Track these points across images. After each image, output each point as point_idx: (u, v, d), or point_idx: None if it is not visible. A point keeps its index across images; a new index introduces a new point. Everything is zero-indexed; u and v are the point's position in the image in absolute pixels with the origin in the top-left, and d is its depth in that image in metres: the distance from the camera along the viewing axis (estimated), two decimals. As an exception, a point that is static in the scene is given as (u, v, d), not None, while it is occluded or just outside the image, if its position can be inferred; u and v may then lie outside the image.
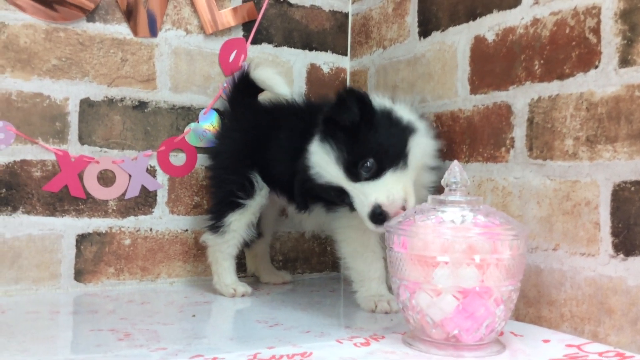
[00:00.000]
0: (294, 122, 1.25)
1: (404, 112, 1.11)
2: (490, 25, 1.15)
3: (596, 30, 0.96)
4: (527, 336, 0.96)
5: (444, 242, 0.85)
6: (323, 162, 1.06)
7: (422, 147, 1.09)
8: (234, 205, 1.28)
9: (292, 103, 1.33)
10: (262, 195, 1.29)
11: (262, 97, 1.42)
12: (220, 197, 1.32)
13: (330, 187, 1.07)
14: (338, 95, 1.07)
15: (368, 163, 1.03)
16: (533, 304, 1.06)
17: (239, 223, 1.29)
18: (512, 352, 0.88)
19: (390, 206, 1.01)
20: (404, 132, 1.07)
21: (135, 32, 1.36)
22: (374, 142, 1.04)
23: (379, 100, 1.13)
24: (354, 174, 1.04)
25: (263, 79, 1.38)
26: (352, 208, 1.07)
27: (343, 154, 1.04)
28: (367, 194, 1.02)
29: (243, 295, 1.27)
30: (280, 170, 1.25)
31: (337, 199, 1.09)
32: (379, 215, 1.01)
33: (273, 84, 1.37)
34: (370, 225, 1.03)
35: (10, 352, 0.86)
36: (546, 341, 0.94)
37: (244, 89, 1.40)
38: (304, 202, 1.16)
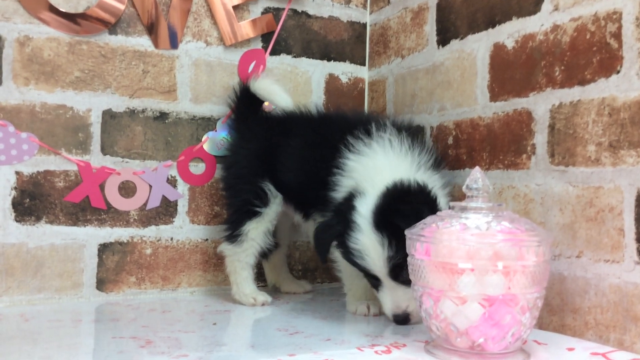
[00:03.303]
0: (307, 132, 1.27)
1: (440, 194, 1.11)
2: (509, 33, 1.15)
3: (617, 35, 0.96)
4: (551, 344, 0.95)
5: (469, 248, 0.85)
6: (373, 254, 1.05)
7: None
8: (250, 213, 1.29)
9: (305, 112, 1.34)
10: (277, 203, 1.31)
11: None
12: (236, 206, 1.33)
13: (367, 271, 1.09)
14: (412, 198, 1.05)
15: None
16: (557, 312, 1.04)
17: (256, 231, 1.30)
18: (536, 360, 0.87)
19: (415, 318, 1.08)
20: None
21: (156, 44, 1.38)
22: None
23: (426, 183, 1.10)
24: (396, 274, 1.06)
25: (262, 91, 1.37)
26: (377, 288, 1.10)
27: (396, 255, 1.04)
28: (399, 299, 1.07)
29: (263, 304, 1.27)
30: (289, 178, 1.27)
31: (367, 276, 1.11)
32: (402, 321, 1.08)
33: (272, 95, 1.36)
34: (389, 317, 1.10)
35: (33, 359, 0.87)
36: (571, 349, 0.92)
37: (248, 101, 1.39)
38: (325, 256, 1.15)
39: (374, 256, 1.05)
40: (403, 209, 1.03)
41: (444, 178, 1.15)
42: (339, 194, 1.13)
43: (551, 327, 1.05)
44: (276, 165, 1.29)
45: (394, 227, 1.02)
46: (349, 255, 1.09)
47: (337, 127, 1.22)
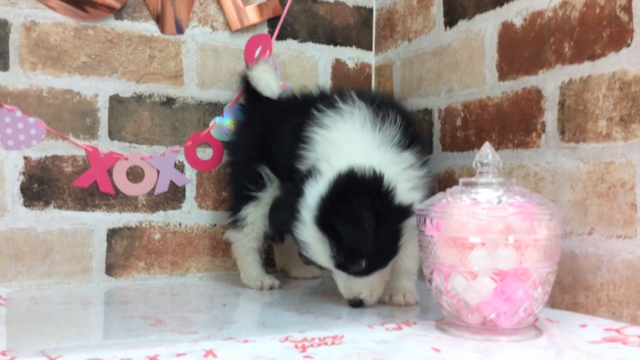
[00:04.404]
0: (294, 113, 1.23)
1: (403, 177, 1.03)
2: (517, 10, 1.14)
3: (627, 9, 0.94)
4: (564, 322, 0.94)
5: (480, 222, 0.84)
6: (316, 249, 1.02)
7: (414, 227, 1.01)
8: (247, 198, 1.29)
9: (301, 94, 1.32)
10: (274, 187, 1.29)
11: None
12: (235, 192, 1.34)
13: (314, 262, 1.07)
14: (351, 209, 0.97)
15: (362, 265, 1.02)
16: (568, 290, 1.03)
17: (255, 215, 1.29)
18: (549, 336, 0.86)
19: (369, 300, 1.06)
20: (401, 224, 1.03)
21: (162, 29, 1.38)
22: (372, 249, 0.99)
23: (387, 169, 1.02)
24: (345, 268, 1.02)
25: (253, 81, 1.35)
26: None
27: (337, 256, 1.00)
28: (352, 287, 1.04)
29: (271, 288, 1.27)
30: (280, 160, 1.24)
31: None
32: (355, 305, 1.06)
33: (259, 85, 1.34)
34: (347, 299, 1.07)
35: (44, 336, 0.87)
36: (583, 326, 0.92)
37: (251, 87, 1.38)
38: (279, 236, 1.15)
39: (317, 251, 1.02)
40: (342, 209, 0.97)
41: (416, 157, 1.07)
42: (304, 166, 1.09)
43: (563, 306, 1.04)
44: (271, 149, 1.27)
45: (334, 228, 0.98)
46: (296, 243, 1.06)
47: (313, 103, 1.17)
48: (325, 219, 0.98)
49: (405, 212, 1.02)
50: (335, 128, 1.08)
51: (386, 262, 1.05)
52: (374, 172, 1.00)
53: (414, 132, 1.10)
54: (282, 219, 1.06)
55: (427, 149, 1.20)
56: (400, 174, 1.03)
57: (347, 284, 1.05)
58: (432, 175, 1.33)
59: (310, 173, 1.04)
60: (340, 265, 1.02)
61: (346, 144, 1.05)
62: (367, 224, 0.96)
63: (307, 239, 1.02)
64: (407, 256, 1.11)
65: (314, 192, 1.01)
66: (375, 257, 1.02)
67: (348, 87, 1.19)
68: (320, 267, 1.44)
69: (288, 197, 1.06)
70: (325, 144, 1.07)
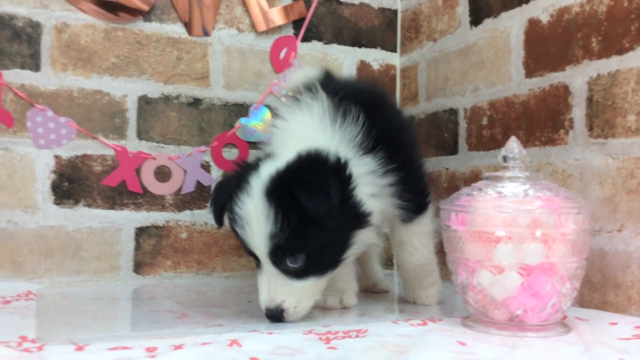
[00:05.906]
0: None
1: (365, 187, 0.91)
2: (544, 7, 1.13)
3: (658, 1, 0.93)
4: (593, 320, 0.92)
5: (506, 216, 0.83)
6: (254, 225, 0.87)
7: (366, 239, 0.94)
8: None
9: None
10: None
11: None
12: None
13: (246, 246, 0.91)
14: (317, 177, 0.85)
15: (299, 260, 0.87)
16: (598, 289, 1.01)
17: None
18: (577, 333, 0.85)
19: (291, 313, 0.90)
20: (354, 230, 0.91)
21: (189, 31, 1.40)
22: (318, 238, 0.87)
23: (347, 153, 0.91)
24: (277, 258, 0.87)
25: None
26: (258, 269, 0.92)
27: (279, 234, 0.85)
28: (275, 291, 0.88)
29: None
30: None
31: (248, 253, 0.93)
32: (274, 317, 0.90)
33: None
34: (262, 308, 0.90)
35: (72, 327, 0.88)
36: (613, 324, 0.90)
37: None
38: (218, 218, 0.97)
39: (254, 228, 0.86)
40: (306, 177, 0.85)
41: (378, 164, 0.93)
42: None
43: (592, 305, 1.02)
44: None
45: (287, 199, 0.84)
46: (232, 221, 0.90)
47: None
48: (280, 189, 0.86)
49: (361, 218, 0.91)
50: (293, 120, 0.96)
51: (325, 269, 0.91)
52: (339, 157, 0.89)
53: (380, 134, 0.94)
54: (230, 191, 0.91)
55: (400, 154, 0.96)
56: (361, 178, 0.91)
57: (272, 286, 0.88)
58: (458, 175, 1.33)
59: (266, 156, 0.94)
60: (273, 252, 0.86)
61: (303, 136, 0.92)
62: (333, 193, 0.84)
63: (248, 213, 0.87)
64: (425, 257, 1.07)
65: (268, 169, 0.89)
66: (316, 257, 0.88)
67: (321, 75, 1.12)
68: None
69: (236, 172, 0.95)
70: (281, 135, 0.96)
